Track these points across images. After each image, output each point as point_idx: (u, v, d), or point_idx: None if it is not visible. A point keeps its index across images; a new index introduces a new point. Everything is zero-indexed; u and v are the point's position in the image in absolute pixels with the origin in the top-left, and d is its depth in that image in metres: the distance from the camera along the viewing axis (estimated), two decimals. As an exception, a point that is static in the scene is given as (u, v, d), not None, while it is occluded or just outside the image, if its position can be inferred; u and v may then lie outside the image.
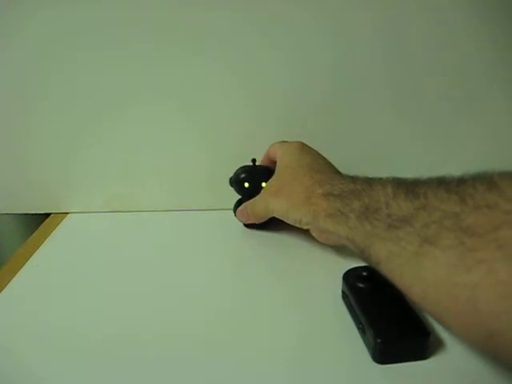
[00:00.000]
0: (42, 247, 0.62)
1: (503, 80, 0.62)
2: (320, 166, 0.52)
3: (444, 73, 0.62)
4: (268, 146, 0.64)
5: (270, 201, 0.54)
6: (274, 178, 0.56)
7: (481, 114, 0.64)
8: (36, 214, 0.70)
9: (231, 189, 0.63)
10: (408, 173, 0.40)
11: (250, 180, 0.61)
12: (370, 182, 0.42)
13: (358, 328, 0.42)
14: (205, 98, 0.64)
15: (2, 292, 0.53)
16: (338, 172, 0.52)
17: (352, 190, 0.42)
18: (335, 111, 0.65)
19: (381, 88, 0.63)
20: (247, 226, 0.64)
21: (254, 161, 0.61)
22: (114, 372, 0.41)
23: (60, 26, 0.59)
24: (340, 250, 0.57)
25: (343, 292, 0.46)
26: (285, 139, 0.64)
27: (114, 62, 0.61)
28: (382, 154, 0.67)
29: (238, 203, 0.64)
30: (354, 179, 0.45)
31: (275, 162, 0.57)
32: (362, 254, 0.39)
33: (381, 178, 0.41)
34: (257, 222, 0.59)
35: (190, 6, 0.58)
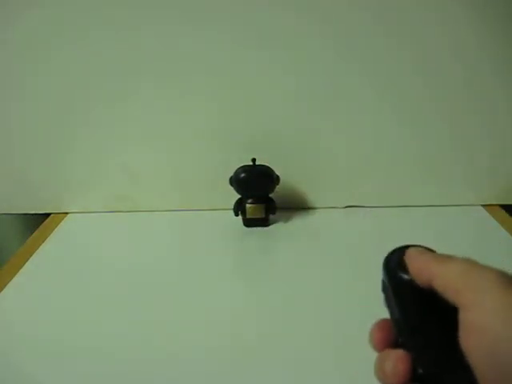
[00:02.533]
0: (41, 247, 0.62)
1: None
2: None
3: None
4: (266, 145, 0.64)
5: None
6: None
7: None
8: (36, 214, 0.70)
9: (231, 188, 0.63)
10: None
11: (250, 179, 0.61)
12: None
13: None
14: (204, 99, 0.63)
15: (2, 292, 0.53)
16: None
17: None
18: (337, 110, 0.65)
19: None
20: (247, 225, 0.64)
21: (254, 160, 0.61)
22: (113, 371, 0.41)
23: (57, 23, 0.59)
24: (341, 248, 0.56)
25: (383, 282, 0.32)
26: (286, 137, 0.63)
27: (114, 62, 0.61)
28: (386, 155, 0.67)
29: (238, 203, 0.64)
30: None
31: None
32: None
33: None
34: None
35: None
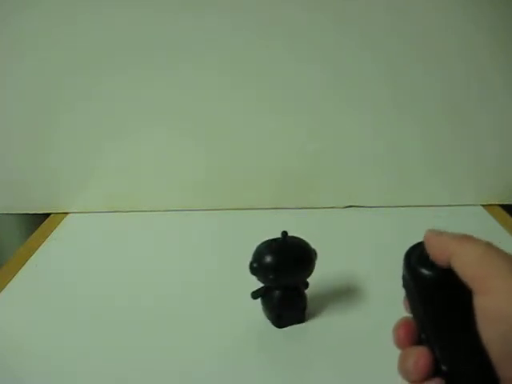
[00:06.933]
0: (41, 247, 0.62)
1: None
2: None
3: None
4: (265, 143, 0.63)
5: None
6: None
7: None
8: (36, 214, 0.70)
9: (230, 189, 0.62)
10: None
11: (282, 263, 0.43)
12: None
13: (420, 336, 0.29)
14: (203, 100, 0.63)
15: (2, 292, 0.52)
16: None
17: None
18: (337, 109, 0.65)
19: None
20: (282, 324, 0.46)
21: (284, 234, 0.44)
22: (113, 372, 0.41)
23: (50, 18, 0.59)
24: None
25: (404, 277, 0.30)
26: (286, 137, 0.63)
27: (113, 61, 0.61)
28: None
29: (264, 292, 0.45)
30: None
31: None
32: None
33: None
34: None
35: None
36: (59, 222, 0.68)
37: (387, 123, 0.65)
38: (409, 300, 0.29)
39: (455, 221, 0.66)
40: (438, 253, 0.26)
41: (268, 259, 0.42)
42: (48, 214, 0.70)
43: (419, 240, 0.29)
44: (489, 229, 0.64)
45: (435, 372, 0.26)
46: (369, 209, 0.69)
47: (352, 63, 0.61)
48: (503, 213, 0.68)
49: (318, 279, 0.52)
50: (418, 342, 0.28)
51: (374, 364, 0.40)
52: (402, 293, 0.29)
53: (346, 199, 0.70)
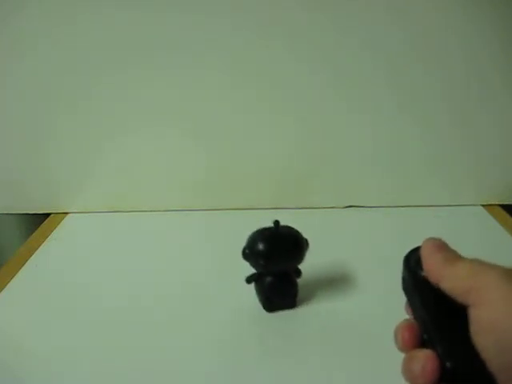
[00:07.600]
0: (41, 247, 0.62)
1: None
2: None
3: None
4: (265, 143, 0.63)
5: None
6: None
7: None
8: (36, 214, 0.70)
9: (230, 189, 0.62)
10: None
11: (273, 251, 0.45)
12: None
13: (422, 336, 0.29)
14: (203, 100, 0.63)
15: (2, 292, 0.52)
16: None
17: None
18: (338, 109, 0.65)
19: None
20: (272, 308, 0.48)
21: (276, 223, 0.46)
22: (113, 372, 0.41)
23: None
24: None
25: (404, 279, 0.31)
26: (286, 137, 0.63)
27: (112, 61, 0.61)
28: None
29: (256, 280, 0.47)
30: None
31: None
32: None
33: None
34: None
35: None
36: (59, 222, 0.68)
37: (387, 123, 0.65)
38: (409, 302, 0.30)
39: (455, 221, 0.66)
40: (429, 274, 0.28)
41: (260, 246, 0.44)
42: (48, 214, 0.70)
43: (419, 240, 0.30)
44: (489, 229, 0.64)
45: (441, 376, 0.25)
46: (369, 209, 0.69)
47: (352, 63, 0.61)
48: (503, 213, 0.68)
49: (317, 279, 0.52)
50: (421, 343, 0.28)
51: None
52: (401, 293, 0.30)
53: (346, 199, 0.70)
